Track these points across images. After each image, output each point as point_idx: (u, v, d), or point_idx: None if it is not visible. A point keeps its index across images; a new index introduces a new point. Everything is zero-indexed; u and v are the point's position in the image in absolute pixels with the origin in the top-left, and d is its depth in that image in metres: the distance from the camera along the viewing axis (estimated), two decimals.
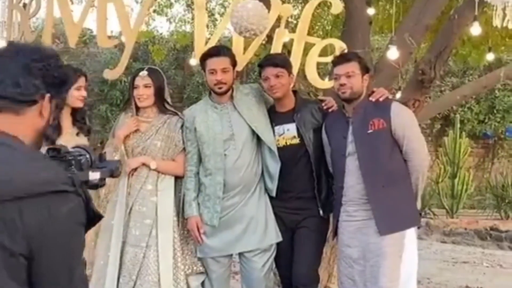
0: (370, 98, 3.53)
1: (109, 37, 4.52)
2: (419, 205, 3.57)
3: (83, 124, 3.77)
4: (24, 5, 4.69)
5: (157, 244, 3.57)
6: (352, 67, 3.50)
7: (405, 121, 3.47)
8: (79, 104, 3.73)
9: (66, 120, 3.74)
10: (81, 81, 3.75)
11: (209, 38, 4.21)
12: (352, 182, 3.46)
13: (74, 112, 3.78)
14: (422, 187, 3.55)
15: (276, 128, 3.72)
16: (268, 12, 3.84)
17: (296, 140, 3.68)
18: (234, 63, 3.73)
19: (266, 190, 3.72)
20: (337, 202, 3.57)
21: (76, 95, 3.73)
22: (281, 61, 3.74)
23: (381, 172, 3.41)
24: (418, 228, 3.91)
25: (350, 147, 3.48)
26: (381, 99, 3.52)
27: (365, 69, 3.56)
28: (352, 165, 3.46)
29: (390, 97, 3.74)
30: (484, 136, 15.54)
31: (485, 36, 6.34)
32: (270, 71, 3.66)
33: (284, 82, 3.67)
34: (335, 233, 3.63)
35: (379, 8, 7.15)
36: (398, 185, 3.43)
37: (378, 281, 3.34)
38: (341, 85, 3.49)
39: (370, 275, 3.39)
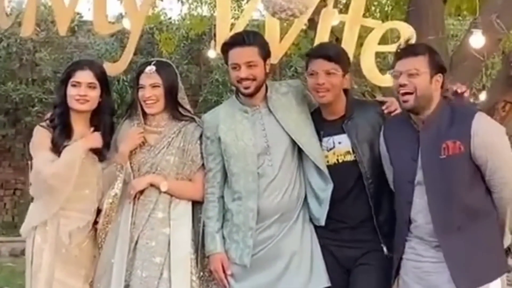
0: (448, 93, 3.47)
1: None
2: (508, 241, 3.51)
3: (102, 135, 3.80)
4: None
5: None
6: (418, 63, 3.40)
7: (490, 141, 3.34)
8: (76, 106, 3.74)
9: (79, 125, 3.79)
10: (80, 76, 3.75)
11: (233, 24, 4.25)
12: (420, 220, 3.42)
13: (93, 118, 3.83)
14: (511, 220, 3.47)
15: (324, 140, 3.70)
16: None
17: (351, 157, 3.65)
18: (265, 55, 3.71)
19: (311, 218, 3.72)
20: (400, 235, 3.54)
21: (72, 94, 3.75)
22: (337, 54, 3.70)
23: (456, 211, 3.34)
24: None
25: (420, 174, 3.41)
26: (466, 94, 3.48)
27: (437, 68, 3.44)
28: (420, 198, 3.41)
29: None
30: None
31: None
32: (320, 65, 3.63)
33: (335, 83, 3.62)
34: (396, 273, 3.58)
35: None
36: (479, 225, 3.36)
37: None
38: (401, 85, 3.40)
39: None
